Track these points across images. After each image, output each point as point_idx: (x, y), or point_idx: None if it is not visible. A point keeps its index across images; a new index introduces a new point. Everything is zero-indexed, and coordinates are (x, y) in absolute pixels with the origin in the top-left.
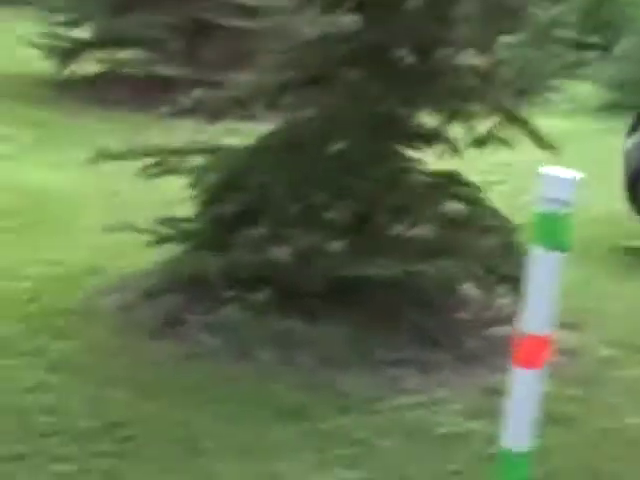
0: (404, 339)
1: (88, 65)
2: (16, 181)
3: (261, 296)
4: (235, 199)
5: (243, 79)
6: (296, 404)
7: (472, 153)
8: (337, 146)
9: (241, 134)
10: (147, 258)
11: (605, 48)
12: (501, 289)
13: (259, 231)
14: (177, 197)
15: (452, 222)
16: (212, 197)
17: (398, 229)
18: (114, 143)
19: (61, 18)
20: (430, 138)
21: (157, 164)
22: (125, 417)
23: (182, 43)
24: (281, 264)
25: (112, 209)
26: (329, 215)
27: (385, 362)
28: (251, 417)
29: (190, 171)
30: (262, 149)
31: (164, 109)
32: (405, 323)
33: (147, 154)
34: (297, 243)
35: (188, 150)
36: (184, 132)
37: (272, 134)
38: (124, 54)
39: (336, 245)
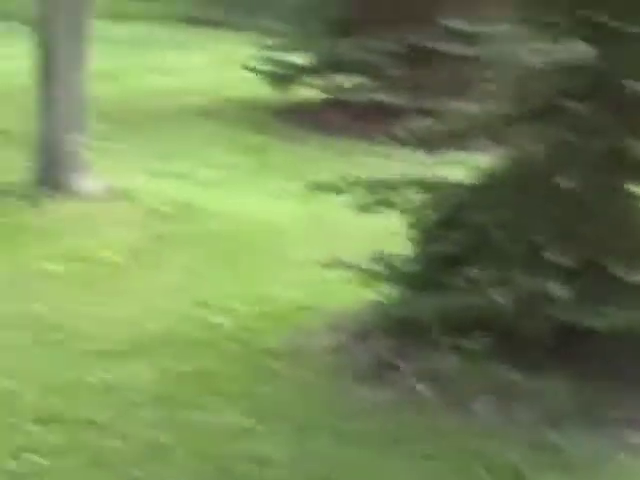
0: (631, 394)
1: (308, 91)
2: (231, 209)
3: (479, 343)
4: (454, 238)
5: (463, 110)
6: (511, 463)
7: None
8: (564, 184)
9: (458, 165)
10: (358, 296)
11: None
12: None
13: (479, 273)
14: (391, 231)
15: None
16: (430, 236)
17: (628, 275)
18: (330, 173)
19: (282, 43)
20: None
21: (373, 198)
22: (328, 468)
23: (402, 70)
24: (502, 309)
25: (323, 242)
26: (553, 258)
27: (610, 420)
28: (461, 476)
29: (407, 208)
30: (484, 187)
31: (382, 138)
32: (632, 377)
33: (362, 186)
34: (519, 287)
35: (403, 184)
36: (401, 161)
37: (494, 171)
38: (344, 80)
39: (560, 290)
